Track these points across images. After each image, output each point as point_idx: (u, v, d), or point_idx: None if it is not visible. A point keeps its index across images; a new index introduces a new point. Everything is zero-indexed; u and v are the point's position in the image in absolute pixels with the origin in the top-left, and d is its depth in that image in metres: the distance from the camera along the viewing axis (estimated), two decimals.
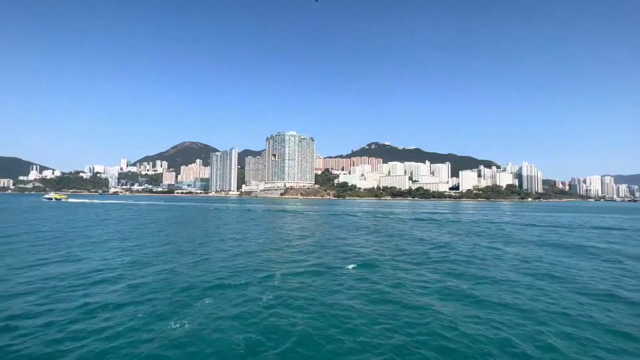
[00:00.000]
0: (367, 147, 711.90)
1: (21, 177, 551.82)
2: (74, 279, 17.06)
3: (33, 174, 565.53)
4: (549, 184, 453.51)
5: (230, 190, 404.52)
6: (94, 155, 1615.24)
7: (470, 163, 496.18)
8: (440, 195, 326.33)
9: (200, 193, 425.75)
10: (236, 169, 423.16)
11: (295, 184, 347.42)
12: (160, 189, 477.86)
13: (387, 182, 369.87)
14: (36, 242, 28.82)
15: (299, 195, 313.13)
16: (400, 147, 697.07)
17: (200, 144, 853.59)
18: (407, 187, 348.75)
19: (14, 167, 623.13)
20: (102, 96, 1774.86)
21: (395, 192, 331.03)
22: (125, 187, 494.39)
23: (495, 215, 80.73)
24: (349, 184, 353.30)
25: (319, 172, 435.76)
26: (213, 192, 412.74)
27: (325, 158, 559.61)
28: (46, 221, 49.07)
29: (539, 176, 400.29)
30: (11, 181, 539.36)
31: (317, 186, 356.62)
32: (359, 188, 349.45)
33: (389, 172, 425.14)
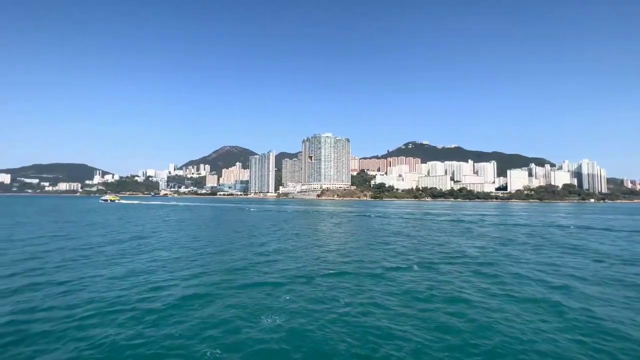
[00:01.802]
0: (404, 146, 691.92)
1: (87, 181, 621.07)
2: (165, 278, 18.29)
3: (97, 179, 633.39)
4: (614, 183, 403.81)
5: (268, 192, 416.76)
6: (146, 160, 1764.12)
7: (519, 161, 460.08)
8: (485, 196, 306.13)
9: (240, 195, 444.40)
10: (273, 171, 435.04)
11: (331, 185, 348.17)
12: (204, 191, 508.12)
13: (427, 183, 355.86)
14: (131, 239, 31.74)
15: (335, 196, 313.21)
16: (440, 146, 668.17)
17: (240, 147, 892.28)
18: (448, 188, 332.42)
19: (81, 172, 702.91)
20: (153, 106, 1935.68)
21: (435, 193, 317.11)
22: (173, 189, 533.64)
23: (555, 217, 73.35)
24: (386, 185, 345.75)
25: (355, 173, 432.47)
26: (252, 194, 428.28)
27: (360, 159, 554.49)
28: (140, 221, 53.99)
29: (602, 174, 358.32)
30: (79, 185, 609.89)
31: (353, 187, 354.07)
32: (397, 189, 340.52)
33: (428, 172, 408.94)
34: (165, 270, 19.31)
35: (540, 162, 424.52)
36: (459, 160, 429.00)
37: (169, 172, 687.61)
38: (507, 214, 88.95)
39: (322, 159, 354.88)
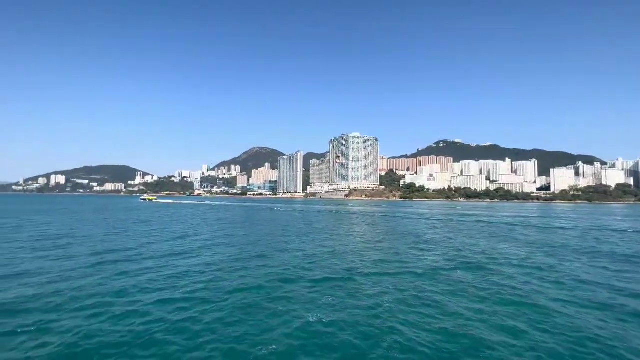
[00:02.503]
0: (435, 145, 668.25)
1: (130, 182, 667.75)
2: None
3: (138, 179, 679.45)
4: None
5: (296, 192, 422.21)
6: (182, 161, 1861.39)
7: (563, 159, 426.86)
8: (526, 196, 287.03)
9: (269, 195, 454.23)
10: (301, 171, 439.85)
11: (359, 185, 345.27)
12: (235, 191, 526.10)
13: (460, 183, 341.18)
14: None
15: (363, 196, 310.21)
16: (474, 144, 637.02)
17: (268, 148, 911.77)
18: (483, 188, 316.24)
19: (125, 173, 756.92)
20: (186, 109, 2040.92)
21: (469, 194, 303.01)
22: (206, 189, 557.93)
23: (609, 220, 66.97)
24: (417, 185, 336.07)
25: (383, 173, 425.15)
26: (281, 194, 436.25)
27: (389, 158, 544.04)
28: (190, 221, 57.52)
29: None
30: (123, 185, 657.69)
31: (382, 187, 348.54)
32: (428, 189, 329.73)
33: (462, 171, 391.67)
34: (217, 268, 20.28)
35: (589, 160, 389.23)
36: (495, 159, 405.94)
37: (203, 173, 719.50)
38: (552, 215, 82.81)
39: (350, 159, 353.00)
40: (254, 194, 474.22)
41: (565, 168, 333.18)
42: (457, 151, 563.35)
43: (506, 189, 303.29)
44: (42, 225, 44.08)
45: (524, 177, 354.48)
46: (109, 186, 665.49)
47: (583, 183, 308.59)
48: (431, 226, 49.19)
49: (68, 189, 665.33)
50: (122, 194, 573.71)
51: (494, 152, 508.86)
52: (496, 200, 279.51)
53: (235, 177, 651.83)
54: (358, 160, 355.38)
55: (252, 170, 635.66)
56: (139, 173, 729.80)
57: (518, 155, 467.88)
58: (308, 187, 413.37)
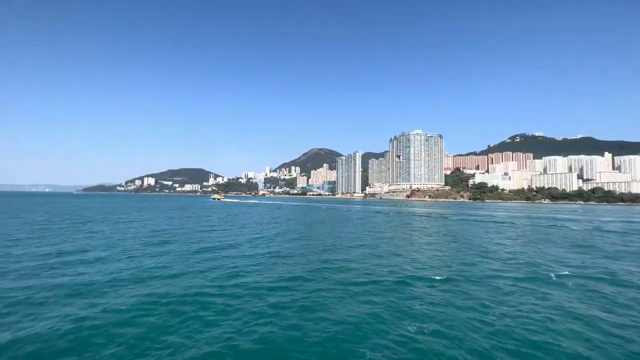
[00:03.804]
0: (510, 140, 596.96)
1: (204, 183, 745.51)
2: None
3: (211, 180, 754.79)
4: None
5: (355, 192, 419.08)
6: (247, 163, 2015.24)
7: None
8: (634, 198, 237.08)
9: (328, 195, 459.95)
10: (360, 171, 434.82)
11: (422, 185, 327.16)
12: (295, 191, 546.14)
13: (543, 182, 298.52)
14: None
15: (427, 197, 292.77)
16: (559, 138, 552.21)
17: (326, 149, 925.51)
18: (574, 188, 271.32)
19: (200, 175, 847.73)
20: (250, 112, 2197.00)
21: (556, 194, 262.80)
22: (269, 189, 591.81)
23: None
24: (488, 185, 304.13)
25: (448, 172, 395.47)
26: (339, 194, 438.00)
27: (454, 156, 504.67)
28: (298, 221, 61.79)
29: None
30: (199, 186, 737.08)
31: (447, 187, 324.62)
32: (502, 189, 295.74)
33: (545, 169, 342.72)
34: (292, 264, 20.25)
35: None
36: (589, 154, 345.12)
37: (265, 174, 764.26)
38: None
39: (412, 158, 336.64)
40: (313, 194, 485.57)
41: None
42: (538, 146, 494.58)
43: (606, 188, 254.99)
44: (153, 220, 50.86)
45: (631, 174, 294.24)
46: (187, 187, 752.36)
47: None
48: (516, 231, 42.96)
49: (157, 189, 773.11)
50: (198, 193, 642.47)
51: (587, 146, 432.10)
52: (592, 202, 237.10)
53: (295, 178, 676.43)
54: (420, 159, 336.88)
55: (311, 171, 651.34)
56: (211, 175, 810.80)
57: (622, 148, 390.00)
58: (367, 188, 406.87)
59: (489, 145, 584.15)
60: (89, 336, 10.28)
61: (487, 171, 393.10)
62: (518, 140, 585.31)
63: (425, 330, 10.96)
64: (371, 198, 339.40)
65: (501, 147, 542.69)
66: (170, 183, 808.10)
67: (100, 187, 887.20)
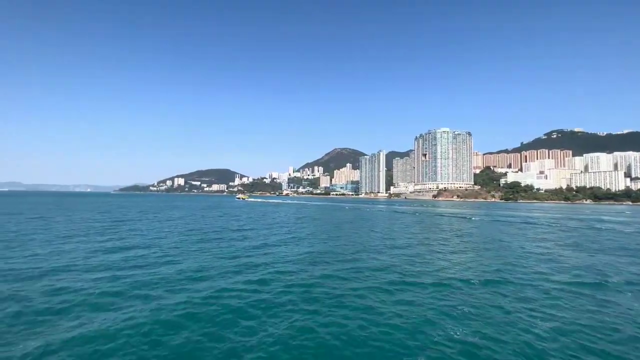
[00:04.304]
0: (545, 136, 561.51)
1: (230, 183, 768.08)
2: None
3: (237, 180, 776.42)
4: None
5: (379, 192, 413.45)
6: (271, 163, 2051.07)
7: None
8: None
9: (352, 195, 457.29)
10: (384, 171, 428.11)
11: (449, 184, 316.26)
12: (318, 191, 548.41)
13: (584, 181, 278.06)
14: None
15: (454, 197, 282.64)
16: (603, 133, 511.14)
17: (349, 149, 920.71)
18: (621, 187, 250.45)
19: (227, 176, 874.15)
20: (273, 113, 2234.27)
21: (599, 194, 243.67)
22: (293, 189, 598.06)
23: None
24: (522, 184, 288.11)
25: (478, 171, 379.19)
26: (363, 194, 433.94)
27: (484, 154, 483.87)
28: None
29: None
30: (225, 186, 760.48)
31: (477, 187, 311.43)
32: (537, 189, 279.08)
33: (586, 167, 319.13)
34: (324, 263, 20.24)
35: None
36: (637, 150, 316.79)
37: (289, 174, 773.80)
38: None
39: (438, 157, 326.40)
40: (336, 194, 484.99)
41: None
42: (578, 142, 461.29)
43: None
44: (189, 218, 53.27)
45: None
46: (214, 187, 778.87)
47: None
48: (561, 234, 40.20)
49: (186, 189, 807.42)
50: (224, 193, 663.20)
51: (636, 141, 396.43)
52: None
53: (318, 178, 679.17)
54: (447, 158, 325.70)
55: (334, 171, 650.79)
56: (237, 175, 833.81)
57: None
58: (391, 187, 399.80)
59: (522, 143, 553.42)
60: (149, 335, 10.86)
61: (521, 170, 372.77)
62: (555, 136, 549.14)
63: (470, 333, 10.55)
64: (396, 198, 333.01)
65: (536, 144, 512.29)
66: (198, 183, 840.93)
67: (135, 187, 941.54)
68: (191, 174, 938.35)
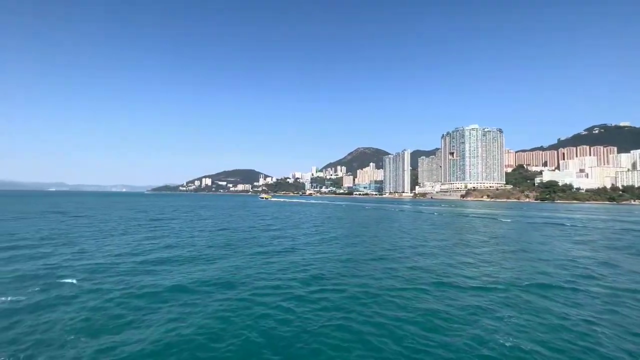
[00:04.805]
0: (586, 132, 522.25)
1: (255, 183, 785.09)
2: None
3: (261, 180, 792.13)
4: None
5: (403, 192, 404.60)
6: (294, 164, 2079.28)
7: None
8: None
9: (375, 194, 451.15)
10: (409, 170, 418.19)
11: (479, 184, 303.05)
12: (341, 191, 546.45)
13: (632, 179, 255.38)
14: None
15: (484, 197, 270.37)
16: None
17: (372, 148, 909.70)
18: None
19: (251, 176, 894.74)
20: (296, 114, 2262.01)
21: None
22: (316, 189, 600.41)
23: None
24: (560, 184, 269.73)
25: (510, 170, 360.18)
26: (387, 194, 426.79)
27: (517, 152, 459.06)
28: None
29: None
30: (250, 186, 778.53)
31: (508, 187, 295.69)
32: (577, 188, 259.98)
33: (634, 164, 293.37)
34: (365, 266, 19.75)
35: None
36: None
37: (312, 174, 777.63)
38: None
39: (467, 155, 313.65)
40: (359, 194, 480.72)
41: None
42: (624, 138, 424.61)
43: None
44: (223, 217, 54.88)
45: None
46: (240, 187, 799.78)
47: None
48: (610, 237, 36.86)
49: (213, 189, 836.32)
50: (249, 193, 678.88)
51: None
52: None
53: (341, 178, 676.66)
54: (477, 156, 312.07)
55: (357, 171, 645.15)
56: (261, 175, 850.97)
57: None
58: (416, 187, 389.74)
59: (559, 139, 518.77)
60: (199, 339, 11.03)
61: (558, 168, 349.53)
62: (597, 131, 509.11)
63: (515, 340, 9.71)
64: (421, 198, 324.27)
65: (575, 141, 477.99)
66: (224, 183, 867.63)
67: (166, 187, 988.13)
68: (217, 174, 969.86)
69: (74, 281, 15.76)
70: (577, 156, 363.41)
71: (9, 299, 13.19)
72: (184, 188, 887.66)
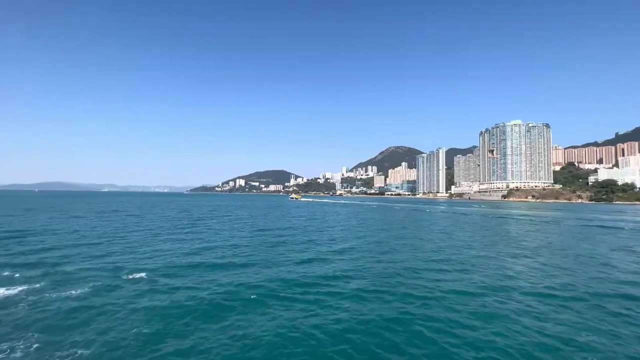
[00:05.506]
0: None
1: (286, 183, 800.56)
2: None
3: (292, 181, 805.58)
4: None
5: (438, 192, 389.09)
6: (325, 164, 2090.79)
7: None
8: None
9: (408, 195, 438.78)
10: (444, 169, 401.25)
11: (522, 184, 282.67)
12: (372, 191, 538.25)
13: None
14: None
15: (529, 197, 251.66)
16: None
17: (404, 147, 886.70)
18: None
19: (282, 177, 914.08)
20: (326, 115, 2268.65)
21: None
22: (346, 189, 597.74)
23: None
24: (619, 183, 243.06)
25: (558, 168, 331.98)
26: (420, 194, 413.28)
27: (566, 149, 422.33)
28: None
29: None
30: (281, 186, 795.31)
31: (557, 186, 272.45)
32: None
33: None
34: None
35: None
36: None
37: (342, 174, 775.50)
38: None
39: (509, 153, 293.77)
40: (391, 194, 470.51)
41: None
42: None
43: None
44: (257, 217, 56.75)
45: None
46: (271, 187, 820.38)
47: None
48: None
49: (246, 189, 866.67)
50: (281, 193, 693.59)
51: None
52: None
53: (372, 178, 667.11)
54: (520, 154, 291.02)
55: (389, 170, 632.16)
56: (292, 176, 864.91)
57: None
58: (452, 187, 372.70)
59: (617, 133, 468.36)
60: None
61: (616, 165, 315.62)
62: None
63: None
64: (458, 198, 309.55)
65: (636, 135, 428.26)
66: (257, 184, 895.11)
67: (203, 188, 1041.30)
68: (250, 175, 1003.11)
69: (144, 275, 17.04)
70: (639, 152, 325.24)
71: (78, 292, 14.45)
72: (219, 189, 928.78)
